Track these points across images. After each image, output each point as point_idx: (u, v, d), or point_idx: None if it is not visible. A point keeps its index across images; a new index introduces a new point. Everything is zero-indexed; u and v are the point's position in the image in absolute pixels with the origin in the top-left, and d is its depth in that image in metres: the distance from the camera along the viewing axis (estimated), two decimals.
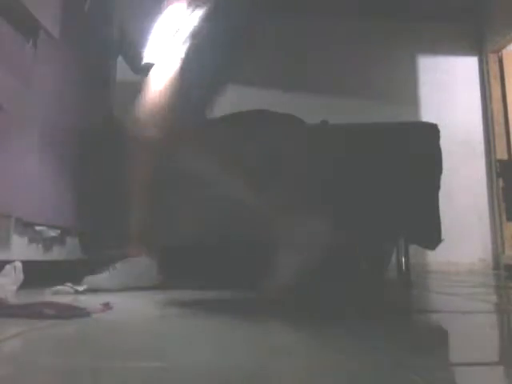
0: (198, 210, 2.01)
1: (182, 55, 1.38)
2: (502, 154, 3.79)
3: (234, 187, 1.48)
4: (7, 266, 1.17)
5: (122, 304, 1.24)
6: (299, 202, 1.55)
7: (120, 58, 2.51)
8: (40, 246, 1.64)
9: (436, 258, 3.45)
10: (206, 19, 1.40)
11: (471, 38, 4.10)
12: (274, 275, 1.31)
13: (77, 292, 1.42)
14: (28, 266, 1.24)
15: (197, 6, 1.41)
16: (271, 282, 1.31)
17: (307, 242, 1.31)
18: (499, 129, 3.85)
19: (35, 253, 1.61)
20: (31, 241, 1.58)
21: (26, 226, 1.54)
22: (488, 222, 3.74)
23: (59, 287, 1.43)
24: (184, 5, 1.44)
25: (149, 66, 1.59)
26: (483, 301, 1.50)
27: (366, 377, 0.55)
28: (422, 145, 2.21)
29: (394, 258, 2.42)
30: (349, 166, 2.34)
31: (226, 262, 2.07)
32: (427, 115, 3.66)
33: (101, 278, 1.57)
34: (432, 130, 2.23)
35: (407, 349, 0.71)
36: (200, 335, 0.83)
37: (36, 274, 1.43)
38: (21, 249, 1.52)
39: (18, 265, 1.18)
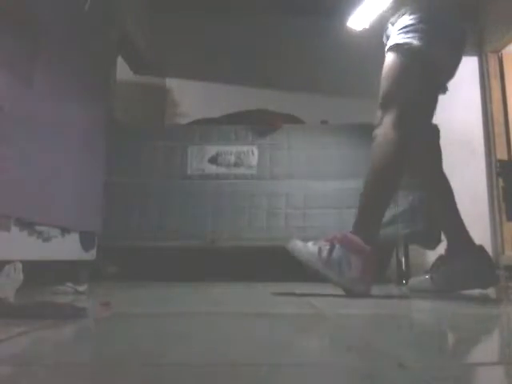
0: None
1: None
2: (501, 154, 3.79)
3: None
4: (7, 266, 1.17)
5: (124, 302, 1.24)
6: None
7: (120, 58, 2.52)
8: (40, 245, 1.64)
9: (436, 257, 3.45)
10: None
11: (471, 37, 4.09)
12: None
13: (77, 292, 1.43)
14: (28, 265, 1.24)
15: None
16: None
17: None
18: (499, 129, 3.85)
19: (35, 253, 1.61)
20: (31, 241, 1.58)
21: (26, 226, 1.54)
22: (488, 222, 3.74)
23: (59, 287, 1.43)
24: None
25: (149, 66, 1.61)
26: (483, 301, 1.50)
27: (365, 376, 0.55)
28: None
29: (393, 258, 2.42)
30: (349, 165, 2.34)
31: None
32: None
33: (424, 280, 1.66)
34: (432, 130, 2.23)
35: (407, 349, 0.71)
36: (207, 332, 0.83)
37: (36, 274, 1.43)
38: (21, 248, 1.52)
39: (18, 265, 1.18)
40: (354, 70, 3.75)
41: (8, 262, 1.19)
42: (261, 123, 2.46)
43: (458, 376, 0.57)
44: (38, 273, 1.55)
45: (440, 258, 1.70)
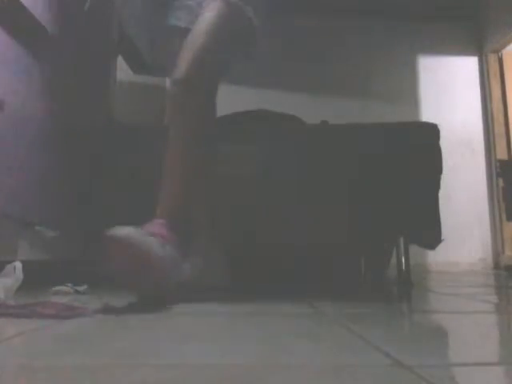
0: None
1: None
2: (502, 153, 3.79)
3: None
4: (7, 266, 1.17)
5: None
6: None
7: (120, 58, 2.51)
8: (40, 245, 1.64)
9: (436, 257, 3.46)
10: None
11: (471, 37, 4.10)
12: None
13: (77, 292, 1.42)
14: (28, 265, 1.24)
15: None
16: None
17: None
18: (499, 129, 3.86)
19: (35, 252, 1.61)
20: (31, 240, 1.58)
21: (25, 226, 1.54)
22: (488, 222, 3.74)
23: (59, 287, 1.43)
24: None
25: (149, 66, 1.62)
26: (483, 301, 1.50)
27: (365, 376, 0.55)
28: (422, 145, 2.21)
29: (394, 258, 2.42)
30: (349, 166, 2.34)
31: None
32: (427, 115, 3.65)
33: None
34: (432, 130, 2.23)
35: (407, 349, 0.71)
36: (200, 332, 0.83)
37: (36, 274, 1.43)
38: (20, 248, 1.52)
39: (18, 265, 1.18)
40: (354, 70, 3.75)
41: (8, 262, 1.19)
42: (261, 123, 2.46)
43: (458, 376, 0.57)
44: (38, 273, 1.55)
45: None
